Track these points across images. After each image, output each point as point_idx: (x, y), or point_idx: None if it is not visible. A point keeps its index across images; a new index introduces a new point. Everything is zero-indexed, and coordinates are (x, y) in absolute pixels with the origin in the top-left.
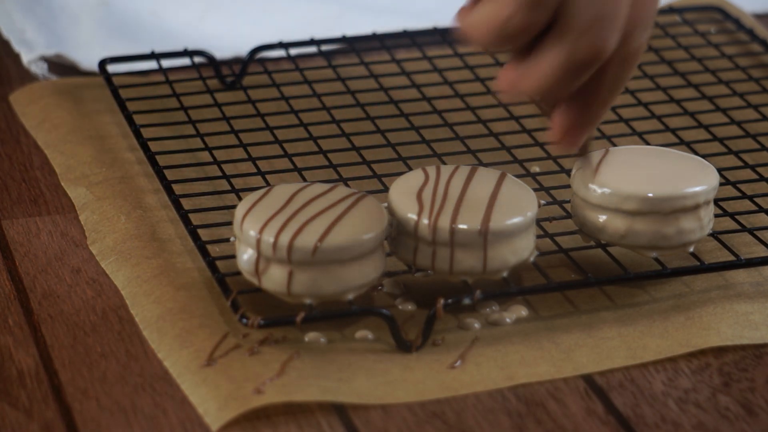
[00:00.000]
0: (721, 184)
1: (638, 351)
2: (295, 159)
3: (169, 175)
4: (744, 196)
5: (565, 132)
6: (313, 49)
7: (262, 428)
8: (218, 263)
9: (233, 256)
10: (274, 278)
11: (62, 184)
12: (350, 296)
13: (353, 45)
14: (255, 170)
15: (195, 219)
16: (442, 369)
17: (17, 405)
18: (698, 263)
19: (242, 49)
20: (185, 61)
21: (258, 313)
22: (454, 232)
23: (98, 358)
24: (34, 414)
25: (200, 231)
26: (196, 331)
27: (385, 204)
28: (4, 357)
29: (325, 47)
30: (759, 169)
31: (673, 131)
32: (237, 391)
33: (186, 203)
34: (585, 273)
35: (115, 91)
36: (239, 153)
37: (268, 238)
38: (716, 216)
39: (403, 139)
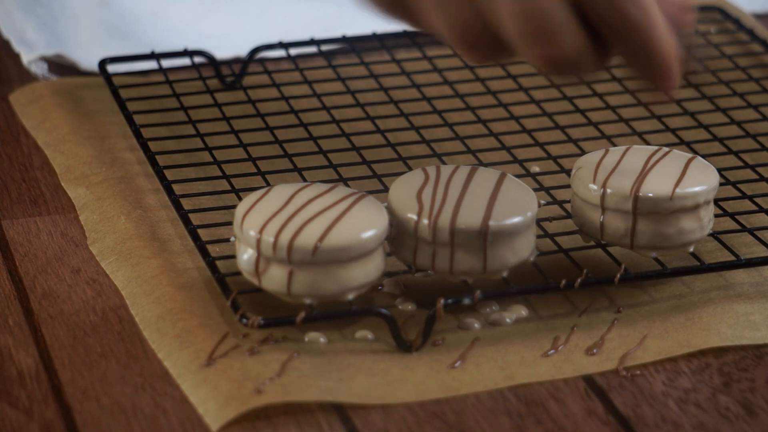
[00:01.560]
0: (721, 184)
1: (638, 351)
2: (295, 159)
3: (169, 175)
4: (744, 196)
5: (658, 91)
6: (313, 49)
7: (262, 428)
8: (218, 263)
9: (233, 256)
10: (274, 278)
11: (62, 184)
12: (350, 296)
13: (353, 45)
14: (255, 170)
15: (195, 219)
16: (442, 369)
17: (17, 405)
18: (698, 263)
19: (242, 49)
20: (185, 61)
21: (258, 313)
22: (454, 232)
23: (98, 358)
24: (34, 414)
25: (200, 231)
26: (196, 331)
27: (385, 204)
28: (4, 357)
29: (325, 47)
30: (759, 169)
31: (673, 131)
32: (237, 391)
33: (186, 203)
34: (585, 273)
35: (115, 91)
36: (239, 153)
37: (268, 238)
38: (716, 216)
39: (403, 139)
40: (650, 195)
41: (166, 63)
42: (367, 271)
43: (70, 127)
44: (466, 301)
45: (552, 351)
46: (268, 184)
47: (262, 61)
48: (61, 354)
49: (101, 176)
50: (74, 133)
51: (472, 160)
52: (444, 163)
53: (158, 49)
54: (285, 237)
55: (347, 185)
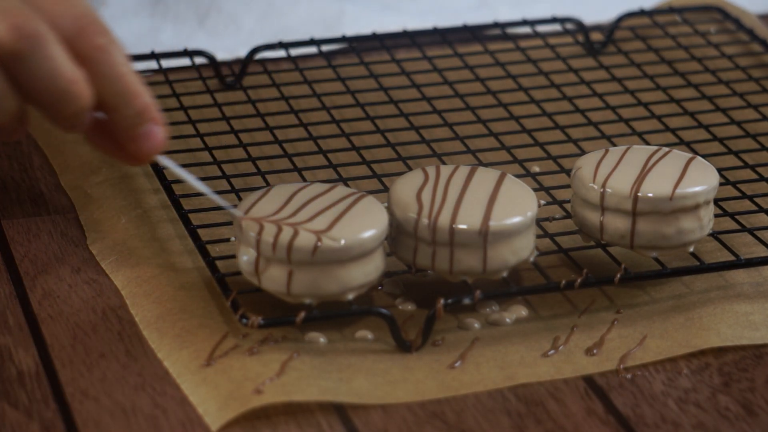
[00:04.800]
0: (721, 184)
1: (638, 351)
2: (295, 159)
3: (169, 175)
4: (744, 196)
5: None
6: (313, 49)
7: (262, 428)
8: (218, 263)
9: (233, 256)
10: (274, 278)
11: (62, 184)
12: (350, 296)
13: (353, 45)
14: (255, 170)
15: (195, 219)
16: (442, 369)
17: (17, 405)
18: (698, 263)
19: (242, 49)
20: (185, 62)
21: (258, 313)
22: (453, 232)
23: (98, 358)
24: (34, 414)
25: (200, 231)
26: (196, 331)
27: (385, 204)
28: (4, 357)
29: (325, 47)
30: (759, 169)
31: (673, 131)
32: (237, 391)
33: (186, 203)
34: (585, 273)
35: None
36: (239, 153)
37: (268, 238)
38: (716, 216)
39: (403, 139)
40: (650, 195)
41: (166, 63)
42: (367, 271)
43: None
44: (466, 301)
45: (552, 351)
46: (268, 184)
47: (262, 61)
48: (61, 354)
49: (101, 176)
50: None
51: (472, 160)
52: (444, 163)
53: (158, 49)
54: (285, 237)
55: (347, 185)
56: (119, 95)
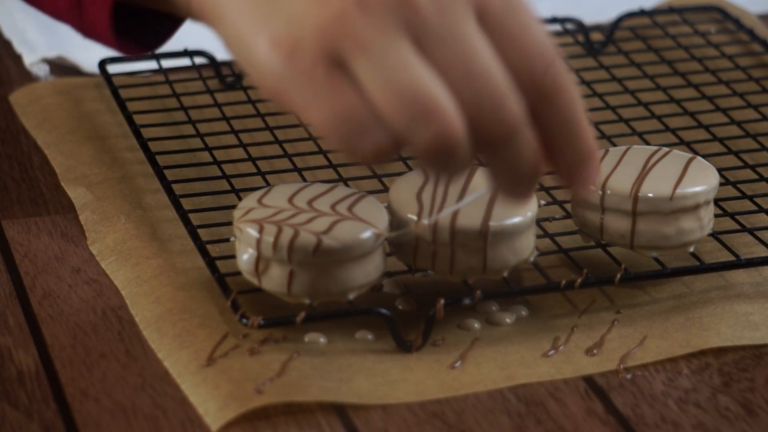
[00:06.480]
0: (721, 184)
1: (638, 351)
2: (295, 159)
3: (169, 175)
4: (744, 196)
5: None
6: None
7: (262, 428)
8: (218, 263)
9: (233, 256)
10: (274, 278)
11: (62, 184)
12: (350, 296)
13: None
14: (255, 170)
15: (195, 219)
16: (442, 369)
17: (17, 405)
18: (698, 263)
19: None
20: (185, 62)
21: (258, 313)
22: (454, 232)
23: (98, 358)
24: (34, 414)
25: (200, 231)
26: (196, 331)
27: (385, 204)
28: (4, 357)
29: None
30: (759, 169)
31: (673, 131)
32: (237, 391)
33: (186, 203)
34: (585, 273)
35: (115, 91)
36: (239, 153)
37: (268, 238)
38: (716, 216)
39: None
40: (650, 195)
41: (167, 63)
42: (367, 271)
43: (70, 127)
44: (466, 301)
45: (552, 351)
46: (268, 184)
47: None
48: (61, 354)
49: (101, 176)
50: (74, 133)
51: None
52: None
53: (158, 50)
54: (285, 237)
55: (347, 185)
56: (570, 140)
